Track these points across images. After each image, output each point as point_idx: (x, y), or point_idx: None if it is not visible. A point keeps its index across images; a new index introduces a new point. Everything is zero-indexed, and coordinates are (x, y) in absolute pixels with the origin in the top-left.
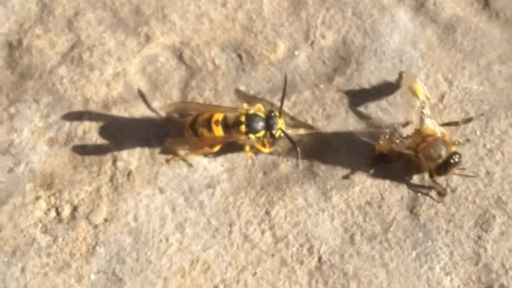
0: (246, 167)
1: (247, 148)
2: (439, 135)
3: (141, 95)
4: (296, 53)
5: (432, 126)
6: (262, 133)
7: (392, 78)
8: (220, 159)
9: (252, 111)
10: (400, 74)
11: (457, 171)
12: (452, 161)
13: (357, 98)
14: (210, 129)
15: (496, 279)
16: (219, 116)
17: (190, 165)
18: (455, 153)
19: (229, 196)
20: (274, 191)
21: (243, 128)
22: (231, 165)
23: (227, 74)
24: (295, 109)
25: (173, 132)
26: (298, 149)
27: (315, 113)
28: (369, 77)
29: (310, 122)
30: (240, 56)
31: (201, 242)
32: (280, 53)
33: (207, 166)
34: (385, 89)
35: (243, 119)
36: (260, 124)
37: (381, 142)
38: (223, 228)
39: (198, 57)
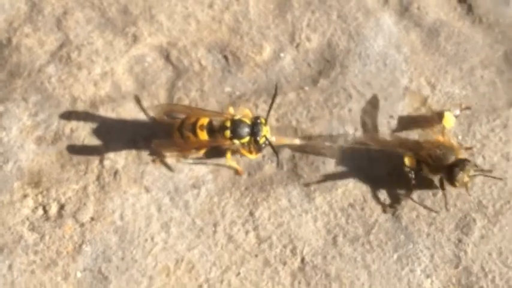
0: (231, 168)
1: (229, 155)
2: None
3: (138, 101)
4: (282, 55)
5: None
6: (246, 139)
7: (376, 81)
8: (206, 160)
9: (237, 117)
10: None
11: (476, 173)
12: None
13: (341, 100)
14: (195, 133)
15: (475, 282)
16: (204, 121)
17: (175, 165)
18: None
19: (214, 196)
20: (258, 192)
21: (227, 133)
22: (216, 166)
23: (213, 75)
24: (280, 111)
25: (160, 133)
26: (279, 157)
27: (300, 115)
28: (353, 80)
29: (294, 123)
30: (226, 57)
31: (186, 242)
32: (266, 54)
33: (192, 167)
34: (369, 92)
35: (228, 124)
36: (245, 130)
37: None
38: (208, 228)
39: (184, 57)
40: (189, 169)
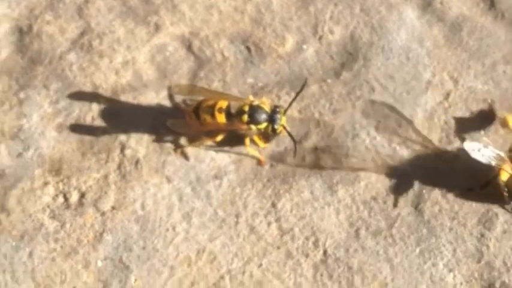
0: (253, 159)
1: (247, 142)
2: None
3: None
4: (304, 47)
5: None
6: (263, 125)
7: (399, 75)
8: (228, 150)
9: (256, 103)
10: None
11: None
12: None
13: (364, 93)
14: (213, 115)
15: (497, 277)
16: (223, 104)
17: (197, 155)
18: None
19: (236, 187)
20: (280, 184)
21: (245, 117)
22: (238, 156)
23: (235, 65)
24: (302, 103)
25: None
26: (297, 147)
27: (322, 107)
28: (375, 73)
29: (317, 115)
30: (248, 48)
31: (208, 232)
32: (289, 46)
33: (214, 157)
34: (392, 86)
35: (246, 108)
36: (262, 116)
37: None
38: (230, 219)
39: (207, 48)
40: (211, 159)
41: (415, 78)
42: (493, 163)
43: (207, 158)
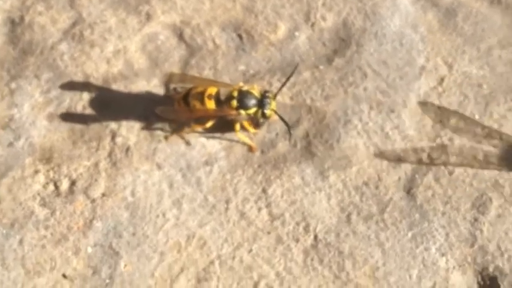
0: (244, 145)
1: (238, 127)
2: None
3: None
4: (296, 34)
5: None
6: (253, 110)
7: (392, 60)
8: (218, 137)
9: (245, 88)
10: None
11: None
12: None
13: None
14: (202, 102)
15: (491, 261)
16: (212, 90)
17: (188, 142)
18: None
19: (227, 173)
20: (271, 170)
21: (234, 103)
22: (229, 143)
23: (227, 53)
24: (294, 89)
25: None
26: (292, 132)
27: (314, 94)
28: (368, 59)
29: (309, 102)
30: (240, 36)
31: (198, 218)
32: (281, 33)
33: (205, 144)
34: (385, 72)
35: (235, 94)
36: (252, 101)
37: None
38: (220, 205)
39: (198, 36)
40: (202, 146)
41: (409, 63)
42: None
43: (198, 145)
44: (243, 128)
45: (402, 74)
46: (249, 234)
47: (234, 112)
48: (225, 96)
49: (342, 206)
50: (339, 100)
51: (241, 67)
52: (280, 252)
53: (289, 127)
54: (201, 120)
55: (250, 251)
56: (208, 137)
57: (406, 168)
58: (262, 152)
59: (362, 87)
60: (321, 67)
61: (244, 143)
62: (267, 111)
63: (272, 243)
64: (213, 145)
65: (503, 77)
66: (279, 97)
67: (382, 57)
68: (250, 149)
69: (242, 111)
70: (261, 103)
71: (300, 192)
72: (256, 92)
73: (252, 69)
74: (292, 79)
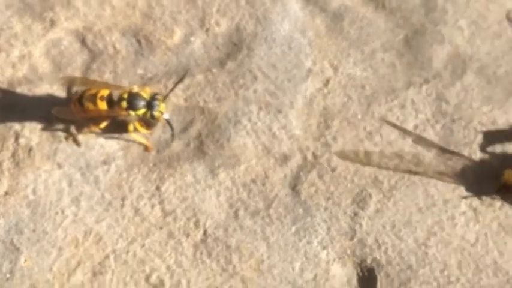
0: (141, 146)
1: (131, 128)
2: None
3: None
4: (192, 39)
5: None
6: (142, 111)
7: (281, 64)
8: (116, 137)
9: (135, 90)
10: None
11: None
12: None
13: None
14: (95, 103)
15: (369, 254)
16: (104, 92)
17: (87, 143)
18: None
19: (123, 172)
20: (165, 168)
21: (124, 104)
22: (127, 143)
23: (127, 57)
24: (188, 91)
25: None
26: (178, 134)
27: (207, 96)
28: (259, 62)
29: (202, 104)
30: (139, 41)
31: (95, 215)
32: (177, 38)
33: (103, 144)
34: (274, 74)
35: (125, 96)
36: (141, 103)
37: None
38: (116, 202)
39: (99, 41)
40: (100, 146)
41: (297, 66)
42: None
43: (97, 145)
44: (135, 129)
45: (290, 77)
46: (143, 229)
47: (124, 113)
48: (116, 97)
49: (230, 203)
50: (230, 102)
51: (140, 71)
52: (171, 247)
53: (172, 129)
54: (95, 120)
55: (143, 245)
56: (106, 138)
57: (292, 166)
58: (158, 151)
59: (252, 89)
60: (214, 70)
61: (140, 143)
62: (156, 113)
63: (164, 238)
64: (111, 145)
65: (385, 79)
66: (174, 99)
67: (272, 60)
68: (146, 148)
69: (132, 112)
70: (150, 105)
71: (192, 190)
72: (146, 94)
73: (149, 73)
74: (186, 82)
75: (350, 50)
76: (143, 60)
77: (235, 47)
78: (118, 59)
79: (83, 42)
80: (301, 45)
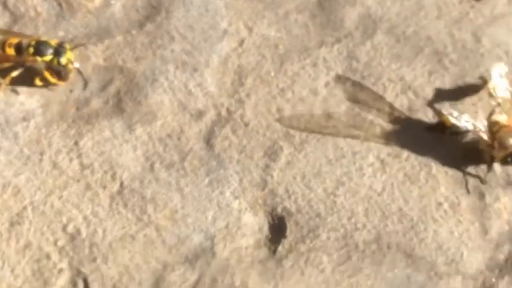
0: (61, 103)
1: (37, 81)
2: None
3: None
4: (112, 2)
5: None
6: (49, 58)
7: (197, 25)
8: (37, 95)
9: (43, 38)
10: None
11: None
12: None
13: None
14: (3, 49)
15: (280, 203)
16: (14, 40)
17: (8, 100)
18: None
19: (42, 128)
20: (84, 125)
21: (31, 49)
22: (47, 100)
23: (48, 20)
24: (107, 52)
25: None
26: (87, 82)
27: (126, 56)
28: (176, 24)
29: (120, 63)
30: (60, 5)
31: (13, 169)
32: (98, 2)
33: (23, 101)
34: (190, 35)
35: (33, 42)
36: (48, 49)
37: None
38: (35, 156)
39: (21, 5)
40: (20, 104)
41: (213, 27)
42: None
43: (17, 102)
44: (44, 79)
45: (206, 37)
46: (61, 182)
47: (31, 58)
48: (24, 44)
49: (146, 156)
50: (148, 61)
51: (61, 33)
52: (88, 198)
53: (84, 79)
54: (6, 70)
55: (61, 197)
56: (26, 96)
57: (207, 121)
58: (77, 108)
59: (169, 50)
60: (133, 32)
61: (53, 84)
62: (63, 59)
63: (81, 190)
64: (31, 103)
65: (298, 39)
66: (93, 59)
67: (189, 22)
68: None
69: (38, 58)
70: (57, 52)
71: (109, 144)
72: (53, 42)
73: (70, 35)
74: (106, 43)
75: (265, 12)
76: (64, 23)
77: (154, 9)
78: (39, 21)
79: (4, 5)
80: (218, 7)
